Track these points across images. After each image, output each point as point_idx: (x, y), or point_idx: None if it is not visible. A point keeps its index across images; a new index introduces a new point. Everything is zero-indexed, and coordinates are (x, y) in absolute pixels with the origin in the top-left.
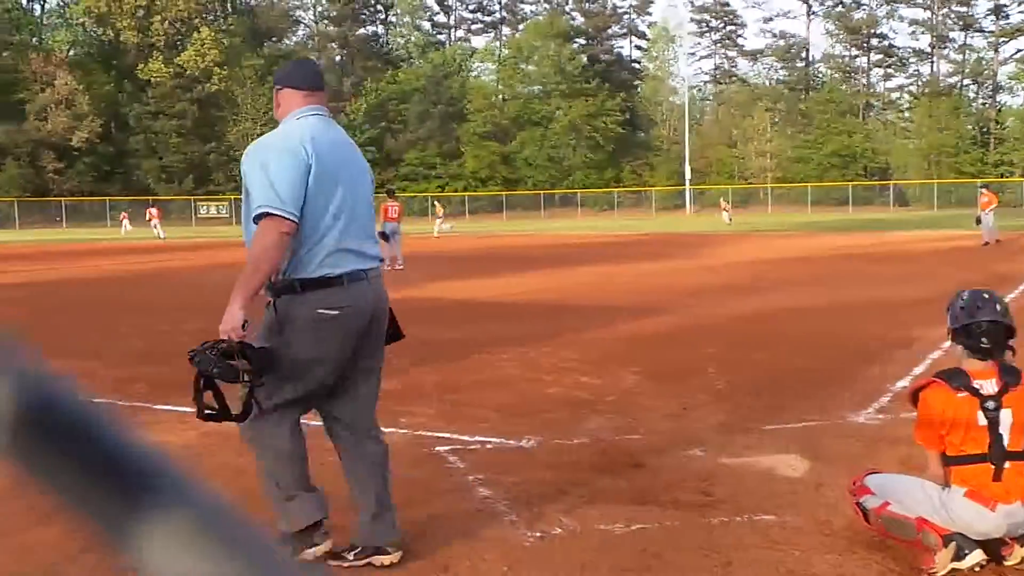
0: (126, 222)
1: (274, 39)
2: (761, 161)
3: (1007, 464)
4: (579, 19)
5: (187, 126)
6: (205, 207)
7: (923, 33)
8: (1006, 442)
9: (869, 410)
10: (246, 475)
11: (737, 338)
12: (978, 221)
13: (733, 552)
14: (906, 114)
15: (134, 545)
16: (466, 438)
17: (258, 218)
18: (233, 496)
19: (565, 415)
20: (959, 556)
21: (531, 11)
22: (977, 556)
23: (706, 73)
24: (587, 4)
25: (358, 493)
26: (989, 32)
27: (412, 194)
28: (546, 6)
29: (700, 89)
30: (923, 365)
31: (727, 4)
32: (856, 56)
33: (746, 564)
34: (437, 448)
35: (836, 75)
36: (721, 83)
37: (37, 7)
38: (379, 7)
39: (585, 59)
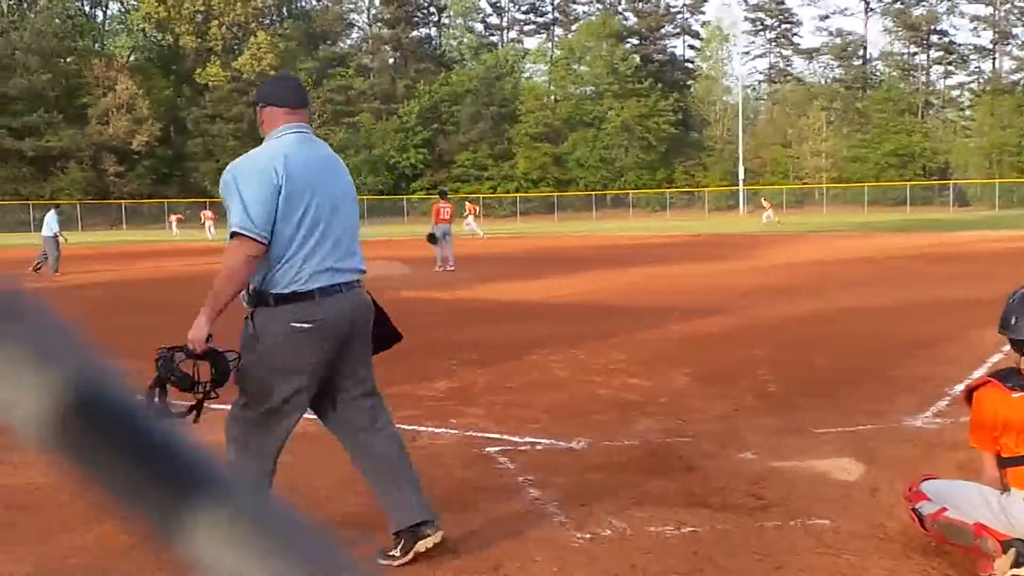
0: (175, 224)
1: (328, 42)
2: (816, 161)
3: None
4: (632, 19)
5: (243, 129)
6: None
7: (985, 29)
8: None
9: (927, 413)
10: (300, 474)
11: (789, 339)
12: None
13: (785, 556)
14: (967, 112)
15: (187, 539)
16: (516, 439)
17: (232, 236)
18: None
19: (615, 416)
20: (1019, 563)
21: (583, 11)
22: None
23: (760, 72)
24: (640, 4)
25: (382, 488)
26: None
27: (464, 195)
28: (599, 6)
29: (754, 88)
30: (983, 367)
31: (782, 2)
32: (915, 53)
33: (798, 569)
34: (487, 449)
35: (894, 73)
36: (776, 82)
37: (99, 14)
38: (432, 9)
39: (638, 59)
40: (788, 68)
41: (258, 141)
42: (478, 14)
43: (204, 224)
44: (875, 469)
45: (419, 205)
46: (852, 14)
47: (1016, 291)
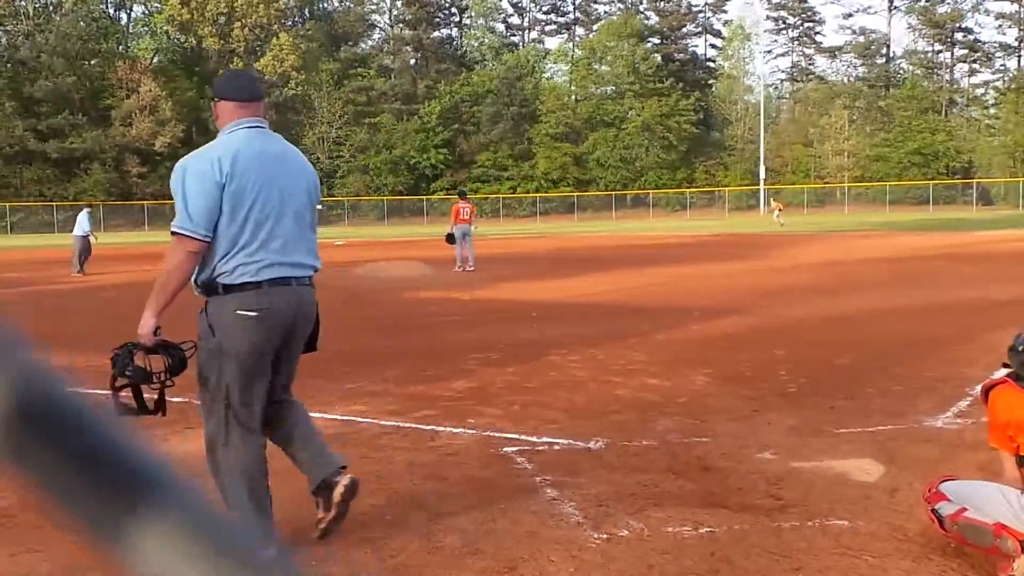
0: None
1: (350, 43)
2: (838, 160)
3: None
4: (653, 18)
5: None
6: None
7: (1010, 27)
8: None
9: (948, 414)
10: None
11: (809, 340)
12: None
13: (804, 557)
14: (991, 110)
15: (126, 546)
16: (534, 439)
17: (172, 234)
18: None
19: (633, 417)
20: None
21: (605, 11)
22: None
23: (782, 71)
24: (661, 3)
25: (296, 448)
26: None
27: (484, 195)
28: (620, 6)
29: (776, 87)
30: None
31: (805, 0)
32: (939, 51)
33: (817, 570)
34: (505, 449)
35: (918, 71)
36: (798, 81)
37: (123, 16)
38: (453, 10)
39: (659, 59)
40: (810, 67)
41: None
42: (499, 14)
43: None
44: (895, 470)
45: (439, 205)
46: (876, 12)
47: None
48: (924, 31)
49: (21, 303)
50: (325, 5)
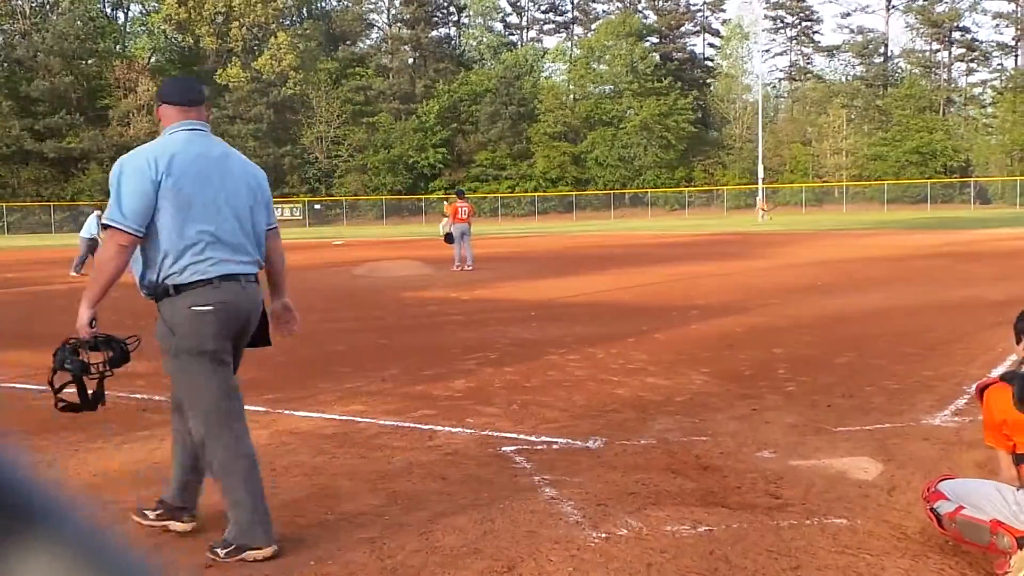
0: None
1: (348, 42)
2: (836, 159)
3: None
4: (652, 17)
5: (263, 129)
6: (279, 209)
7: (1007, 26)
8: None
9: (945, 412)
10: (320, 474)
11: (808, 338)
12: None
13: (802, 556)
14: (988, 109)
15: (14, 573)
16: (533, 438)
17: (104, 228)
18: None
19: (632, 416)
20: None
21: (603, 10)
22: None
23: (780, 70)
24: (660, 2)
25: (182, 457)
26: None
27: (483, 195)
28: (618, 5)
29: (774, 86)
30: (1002, 366)
31: (803, 0)
32: (937, 50)
33: (815, 568)
34: (503, 448)
35: (916, 70)
36: (796, 80)
37: (120, 16)
38: (451, 9)
39: (657, 58)
40: (808, 66)
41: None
42: (497, 13)
43: None
44: (893, 468)
45: (438, 205)
46: (874, 11)
47: None
48: (922, 30)
49: (15, 303)
50: (323, 4)
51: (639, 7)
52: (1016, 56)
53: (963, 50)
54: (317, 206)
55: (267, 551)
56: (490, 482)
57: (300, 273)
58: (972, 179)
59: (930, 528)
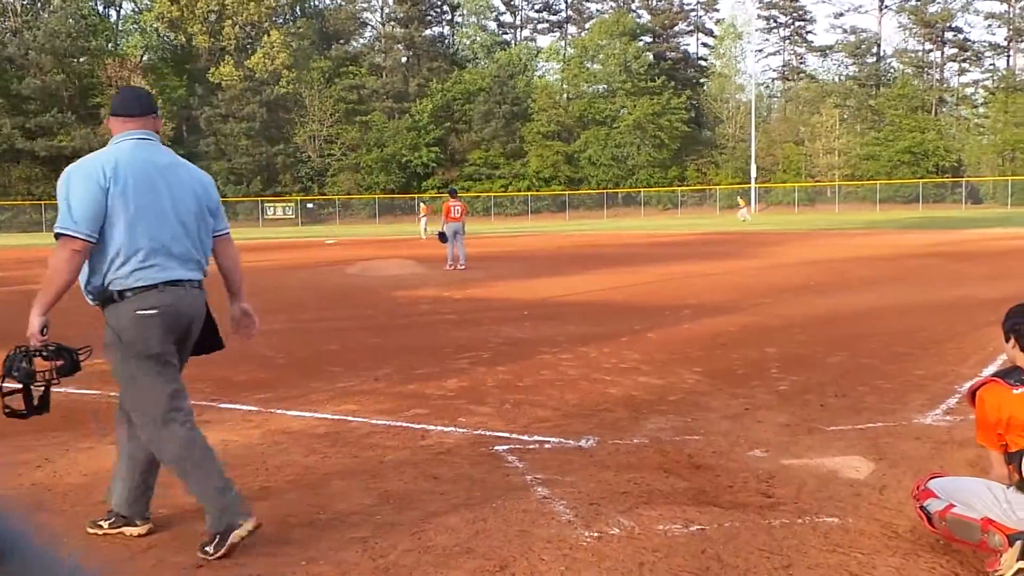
0: None
1: (341, 41)
2: (829, 159)
3: None
4: (645, 17)
5: (255, 128)
6: (272, 208)
7: (999, 27)
8: None
9: (937, 411)
10: (312, 473)
11: (801, 338)
12: None
13: (794, 555)
14: (980, 110)
15: None
16: (525, 438)
17: (56, 236)
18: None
19: (625, 415)
20: None
21: (597, 10)
22: None
23: (774, 70)
24: (653, 1)
25: (127, 471)
26: None
27: (476, 194)
28: (612, 4)
29: (767, 86)
30: (993, 365)
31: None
32: (930, 51)
33: (807, 567)
34: (496, 448)
35: (908, 70)
36: (789, 80)
37: (113, 14)
38: (445, 8)
39: (651, 57)
40: (801, 65)
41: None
42: (491, 12)
43: None
44: (885, 467)
45: (431, 204)
46: (866, 11)
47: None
48: (914, 30)
49: (6, 302)
50: (316, 3)
51: (633, 6)
52: (1008, 56)
53: (955, 50)
54: (310, 205)
55: (250, 524)
56: (482, 481)
57: (293, 272)
58: (964, 179)
59: (921, 527)
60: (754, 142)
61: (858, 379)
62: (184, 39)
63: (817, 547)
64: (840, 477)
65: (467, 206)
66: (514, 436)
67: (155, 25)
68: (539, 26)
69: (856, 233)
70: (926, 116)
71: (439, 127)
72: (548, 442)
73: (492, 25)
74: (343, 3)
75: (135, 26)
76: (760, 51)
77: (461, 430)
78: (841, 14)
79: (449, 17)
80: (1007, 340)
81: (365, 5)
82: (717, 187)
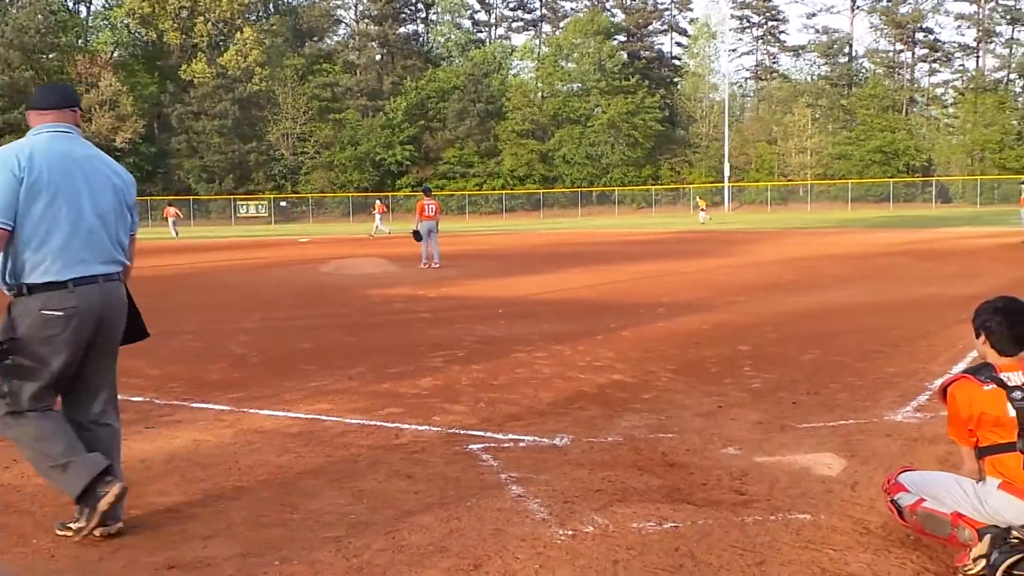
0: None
1: (315, 38)
2: (801, 158)
3: None
4: (619, 16)
5: (228, 126)
6: (245, 206)
7: (969, 27)
8: None
9: (907, 408)
10: (286, 473)
11: (774, 335)
12: None
13: (767, 551)
14: (950, 110)
15: None
16: (499, 436)
17: None
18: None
19: (599, 413)
20: (995, 548)
21: (571, 8)
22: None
23: (747, 69)
24: (628, 1)
25: None
26: None
27: (450, 192)
28: (586, 3)
29: (741, 86)
30: (963, 362)
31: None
32: (900, 51)
33: (779, 563)
34: (470, 446)
35: (879, 70)
36: (762, 79)
37: (83, 9)
38: (419, 6)
39: (625, 56)
40: (774, 65)
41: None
42: (465, 11)
43: (167, 219)
44: (856, 463)
45: (405, 202)
46: (838, 12)
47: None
48: (886, 31)
49: None
50: (290, 0)
51: (607, 5)
52: (977, 57)
53: (926, 51)
54: (283, 203)
55: (115, 488)
56: (457, 480)
57: (266, 271)
58: (934, 178)
59: (892, 523)
60: (727, 141)
61: (830, 377)
62: (155, 36)
63: (790, 544)
64: (812, 474)
65: (441, 204)
66: (488, 435)
67: (126, 21)
68: (513, 24)
69: (828, 232)
70: (897, 116)
71: (413, 125)
72: (522, 440)
73: (466, 23)
74: (316, 0)
75: (105, 22)
76: (733, 51)
77: (435, 429)
78: (813, 14)
79: (423, 15)
80: (977, 336)
81: (339, 2)
82: (691, 186)
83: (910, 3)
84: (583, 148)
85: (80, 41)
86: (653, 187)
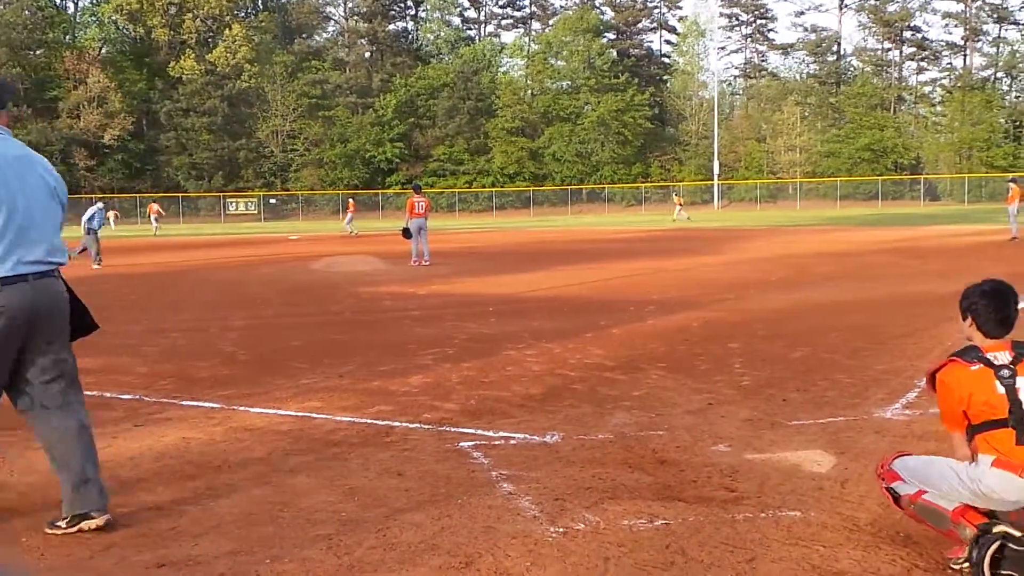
0: (111, 220)
1: (304, 35)
2: (790, 156)
3: None
4: (609, 14)
5: (217, 123)
6: (234, 204)
7: (956, 26)
8: None
9: (896, 405)
10: (276, 471)
11: (764, 333)
12: None
13: (757, 548)
14: (938, 108)
15: None
16: (490, 433)
17: None
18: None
19: (590, 411)
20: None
21: (561, 6)
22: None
23: (736, 67)
24: None
25: (57, 466)
26: (1023, 25)
27: (440, 190)
28: (576, 1)
29: (730, 84)
30: None
31: None
32: (888, 49)
33: (770, 560)
34: (461, 444)
35: (868, 69)
36: (751, 77)
37: (70, 5)
38: (409, 3)
39: (615, 54)
40: (763, 63)
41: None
42: (455, 8)
43: (150, 216)
44: (846, 460)
45: (395, 199)
46: (827, 10)
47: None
48: (874, 29)
49: None
50: None
51: (596, 3)
52: (964, 56)
53: (914, 49)
54: (272, 200)
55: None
56: (447, 478)
57: (256, 268)
58: (922, 176)
59: (882, 519)
60: (717, 139)
61: (819, 374)
62: (144, 32)
63: (780, 540)
64: (802, 471)
65: (431, 202)
66: (479, 432)
67: (114, 17)
68: (503, 22)
69: (817, 229)
70: (885, 114)
71: (403, 122)
72: (513, 438)
73: (456, 20)
74: None
75: (93, 18)
76: (722, 49)
77: (426, 426)
78: (802, 12)
79: (413, 12)
80: (964, 319)
81: None
82: (681, 183)
83: (898, 2)
84: (573, 146)
85: (68, 37)
86: (643, 185)
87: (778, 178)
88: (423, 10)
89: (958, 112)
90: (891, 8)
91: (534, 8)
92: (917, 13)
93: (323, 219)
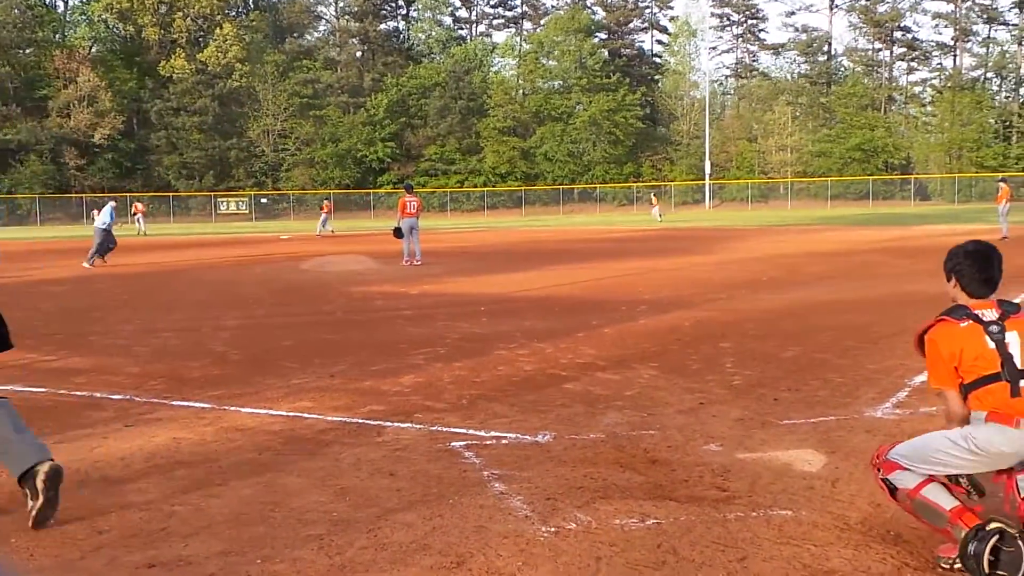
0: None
1: (295, 35)
2: (782, 156)
3: (1023, 383)
4: (600, 13)
5: (208, 122)
6: (225, 203)
7: (946, 26)
8: (1017, 362)
9: (887, 405)
10: (267, 471)
11: (755, 332)
12: None
13: (749, 547)
14: (928, 108)
15: None
16: (482, 433)
17: None
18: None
19: (581, 410)
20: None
21: (552, 6)
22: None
23: (727, 67)
24: None
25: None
26: (1013, 25)
27: (431, 190)
28: (567, 0)
29: (721, 83)
30: None
31: None
32: (879, 49)
33: (761, 560)
34: (452, 444)
35: (858, 69)
36: (742, 77)
37: (60, 4)
38: (400, 2)
39: (606, 54)
40: (754, 63)
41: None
42: (447, 7)
43: (134, 216)
44: (837, 460)
45: (386, 199)
46: (818, 10)
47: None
48: (864, 29)
49: None
50: None
51: (588, 3)
52: (955, 56)
53: (904, 49)
54: (263, 200)
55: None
56: (439, 477)
57: (247, 268)
58: (912, 176)
59: (872, 518)
60: (708, 139)
61: (810, 373)
62: (134, 31)
63: (771, 540)
64: (793, 470)
65: (423, 201)
66: (471, 432)
67: (104, 16)
68: (494, 22)
69: (808, 229)
70: (876, 114)
71: (394, 122)
72: (505, 438)
73: (447, 20)
74: None
75: (83, 17)
76: (714, 49)
77: (417, 426)
78: (793, 13)
79: (404, 12)
80: (949, 280)
81: None
82: (672, 183)
83: (888, 2)
84: (565, 145)
85: (57, 36)
86: (635, 184)
87: (769, 178)
88: (414, 10)
89: (948, 112)
90: (881, 8)
91: (525, 8)
92: (907, 13)
93: (314, 219)
